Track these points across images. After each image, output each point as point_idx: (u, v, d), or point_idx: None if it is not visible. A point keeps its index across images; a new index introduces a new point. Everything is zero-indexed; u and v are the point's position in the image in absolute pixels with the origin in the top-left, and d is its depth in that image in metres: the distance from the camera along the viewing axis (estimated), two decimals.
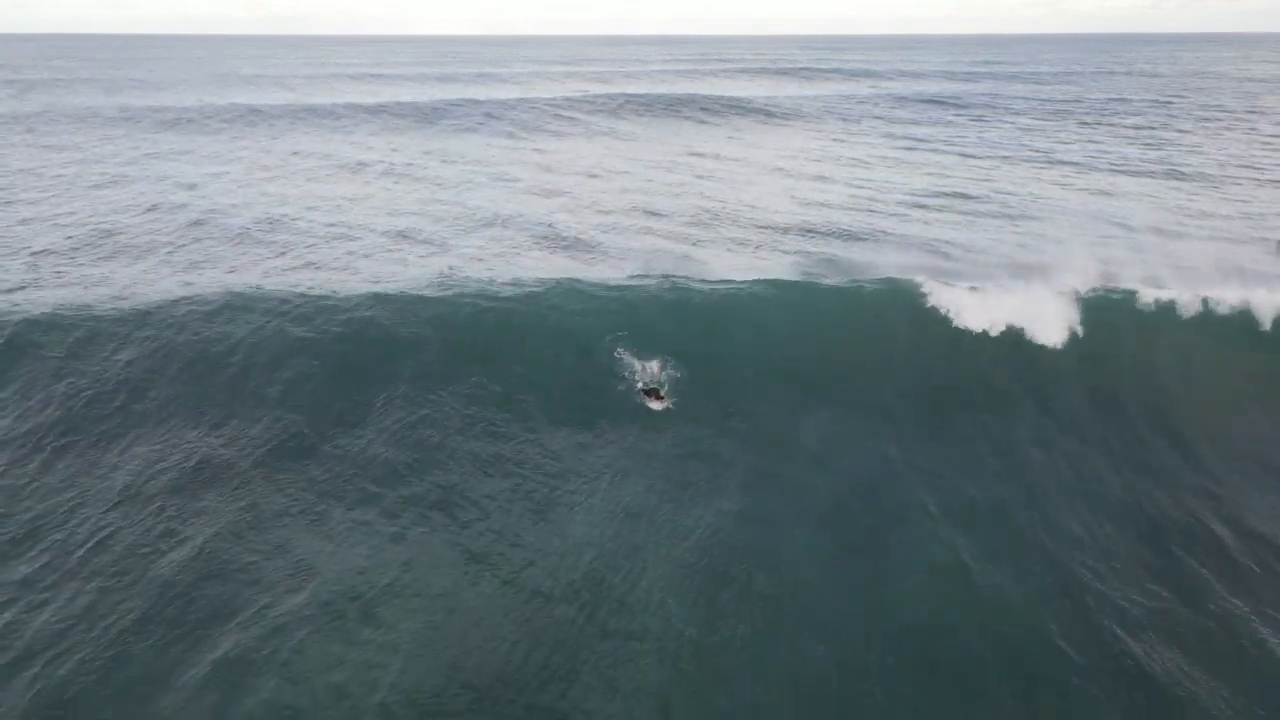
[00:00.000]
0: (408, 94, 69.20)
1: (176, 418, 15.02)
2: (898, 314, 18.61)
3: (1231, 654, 11.05)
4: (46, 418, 14.84)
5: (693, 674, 10.41)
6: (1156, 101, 67.73)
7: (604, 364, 17.00)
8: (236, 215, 27.68)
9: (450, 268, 22.02)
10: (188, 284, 20.20)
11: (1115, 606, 11.65)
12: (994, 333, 17.62)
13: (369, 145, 44.22)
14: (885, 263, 22.67)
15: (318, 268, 22.35)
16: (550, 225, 27.20)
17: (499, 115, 55.02)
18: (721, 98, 64.74)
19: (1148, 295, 18.89)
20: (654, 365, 16.77)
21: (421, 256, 23.63)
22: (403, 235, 25.91)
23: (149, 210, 28.23)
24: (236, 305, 18.10)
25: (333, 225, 26.92)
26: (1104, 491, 14.29)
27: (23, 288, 20.19)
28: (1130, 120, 56.37)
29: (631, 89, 72.31)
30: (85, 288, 20.19)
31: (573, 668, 10.40)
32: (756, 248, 25.27)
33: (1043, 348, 17.40)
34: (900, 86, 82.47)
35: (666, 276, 20.55)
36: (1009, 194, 33.23)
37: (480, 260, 23.16)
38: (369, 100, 62.58)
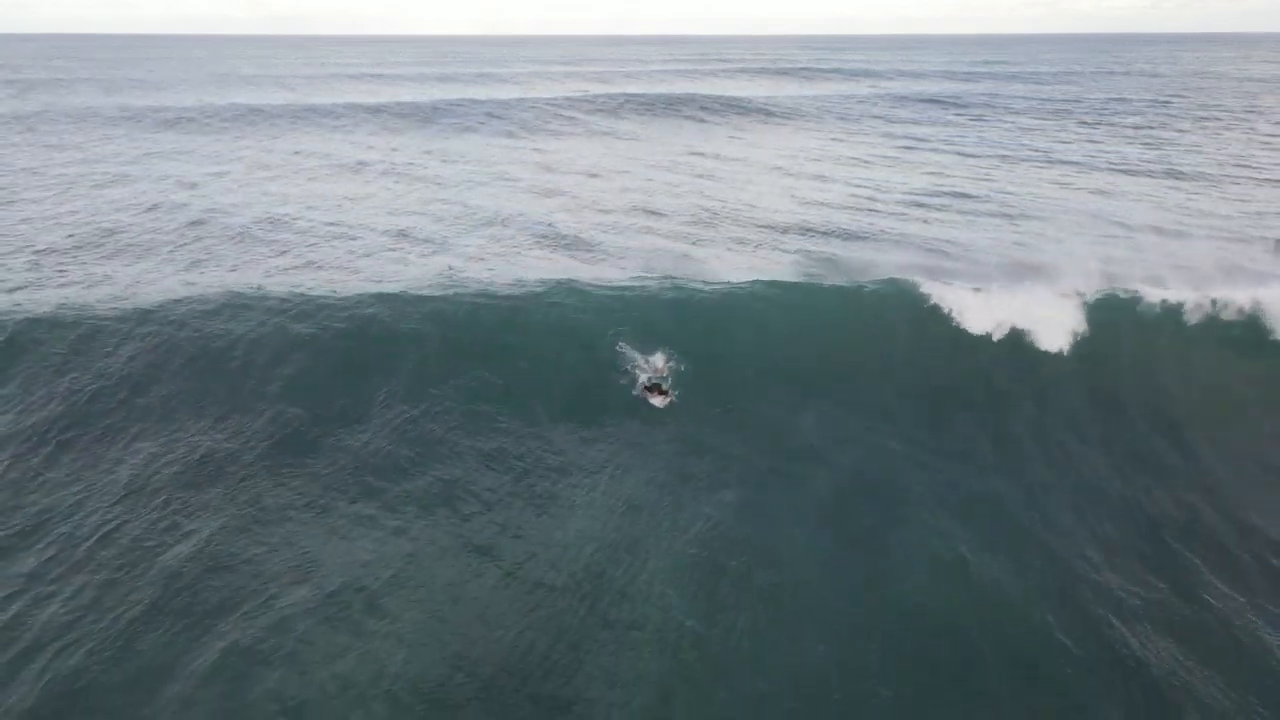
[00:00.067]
0: (408, 94, 69.24)
1: (180, 413, 15.11)
2: (897, 314, 18.66)
3: (1228, 647, 11.16)
4: (50, 412, 14.94)
5: (693, 664, 10.52)
6: (1156, 101, 67.77)
7: (605, 361, 17.07)
8: (237, 214, 27.73)
9: (450, 266, 22.08)
10: (189, 283, 20.26)
11: (1114, 601, 11.74)
12: (993, 332, 17.67)
13: (369, 145, 44.25)
14: (885, 262, 22.71)
15: (319, 266, 22.40)
16: (550, 224, 27.24)
17: (499, 115, 55.04)
18: (721, 97, 64.75)
19: (1147, 295, 18.93)
20: (657, 361, 16.83)
21: (422, 255, 23.67)
22: (403, 234, 25.96)
23: (150, 209, 28.28)
24: (238, 303, 18.17)
25: (333, 224, 26.97)
26: (1103, 490, 14.37)
27: (25, 286, 20.25)
28: (1130, 120, 56.41)
29: (631, 89, 72.33)
30: (87, 286, 20.25)
31: (575, 658, 10.52)
32: (756, 247, 25.31)
33: (1041, 347, 17.46)
34: (900, 86, 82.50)
35: (667, 276, 20.62)
36: (1008, 193, 33.27)
37: (481, 259, 23.21)
38: (369, 100, 62.61)
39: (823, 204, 31.26)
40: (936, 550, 12.55)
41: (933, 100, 68.34)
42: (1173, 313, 18.56)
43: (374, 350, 16.92)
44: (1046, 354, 17.37)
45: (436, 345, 17.14)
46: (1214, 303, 18.61)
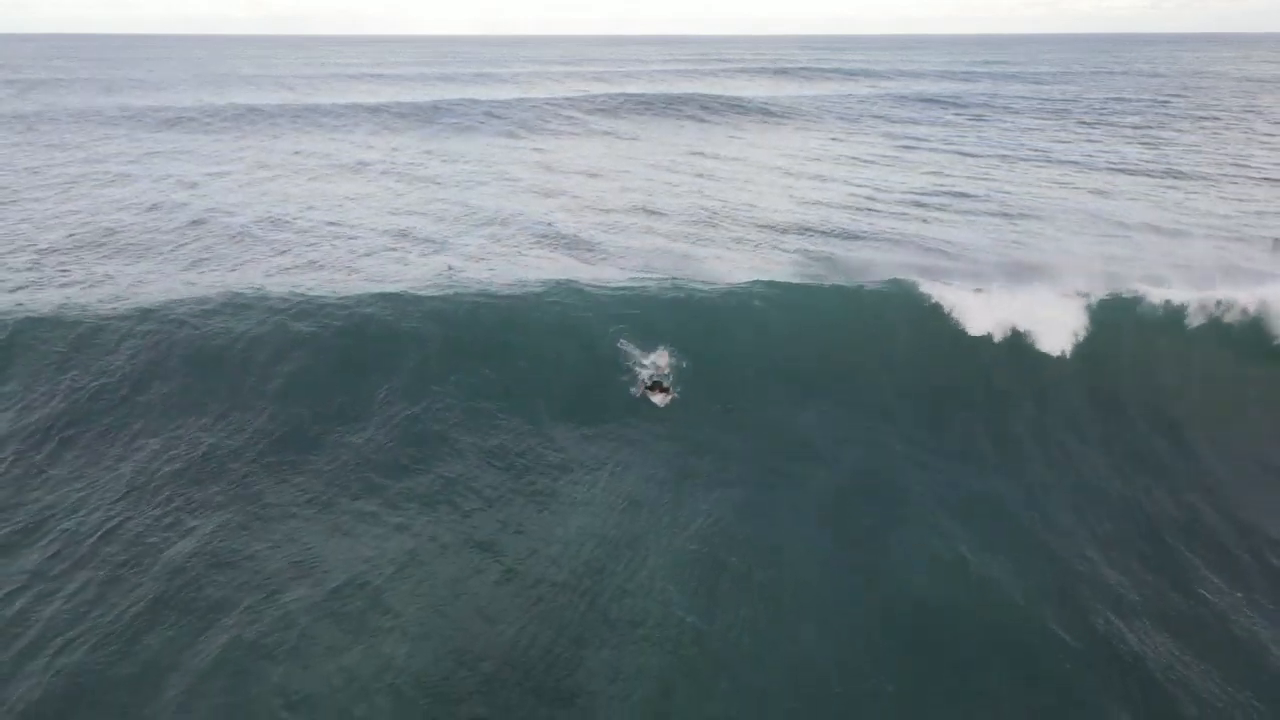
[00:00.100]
0: (408, 94, 69.28)
1: (181, 411, 15.18)
2: (898, 314, 18.69)
3: (1226, 644, 11.23)
4: (53, 409, 15.02)
5: (694, 659, 10.60)
6: (1155, 101, 67.80)
7: (605, 360, 17.12)
8: (238, 214, 27.77)
9: (450, 266, 22.13)
10: (190, 282, 20.31)
11: (1114, 600, 11.78)
12: (994, 333, 17.67)
13: (369, 145, 44.30)
14: (885, 261, 22.75)
15: (319, 266, 22.44)
16: (550, 224, 27.28)
17: (499, 115, 55.07)
18: (721, 97, 64.76)
19: (1149, 296, 18.85)
20: (659, 358, 16.88)
21: (422, 255, 23.71)
22: (403, 234, 26.00)
23: (151, 209, 28.33)
24: (239, 302, 18.22)
25: (334, 224, 27.01)
26: (1104, 490, 14.39)
27: (26, 286, 20.30)
28: (1129, 120, 56.44)
29: (631, 89, 72.34)
30: (88, 285, 20.30)
31: (576, 652, 10.61)
32: (756, 246, 25.35)
33: (1043, 348, 17.47)
34: (900, 86, 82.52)
35: (667, 275, 20.67)
36: (1008, 193, 33.31)
37: (481, 259, 23.25)
38: (369, 100, 62.64)
39: (823, 203, 31.31)
40: (936, 549, 12.60)
41: (932, 100, 68.36)
42: (1175, 313, 18.53)
43: (375, 349, 16.98)
44: (1047, 354, 17.38)
45: (437, 344, 17.19)
46: (1218, 303, 18.54)
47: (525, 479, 14.00)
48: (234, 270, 21.94)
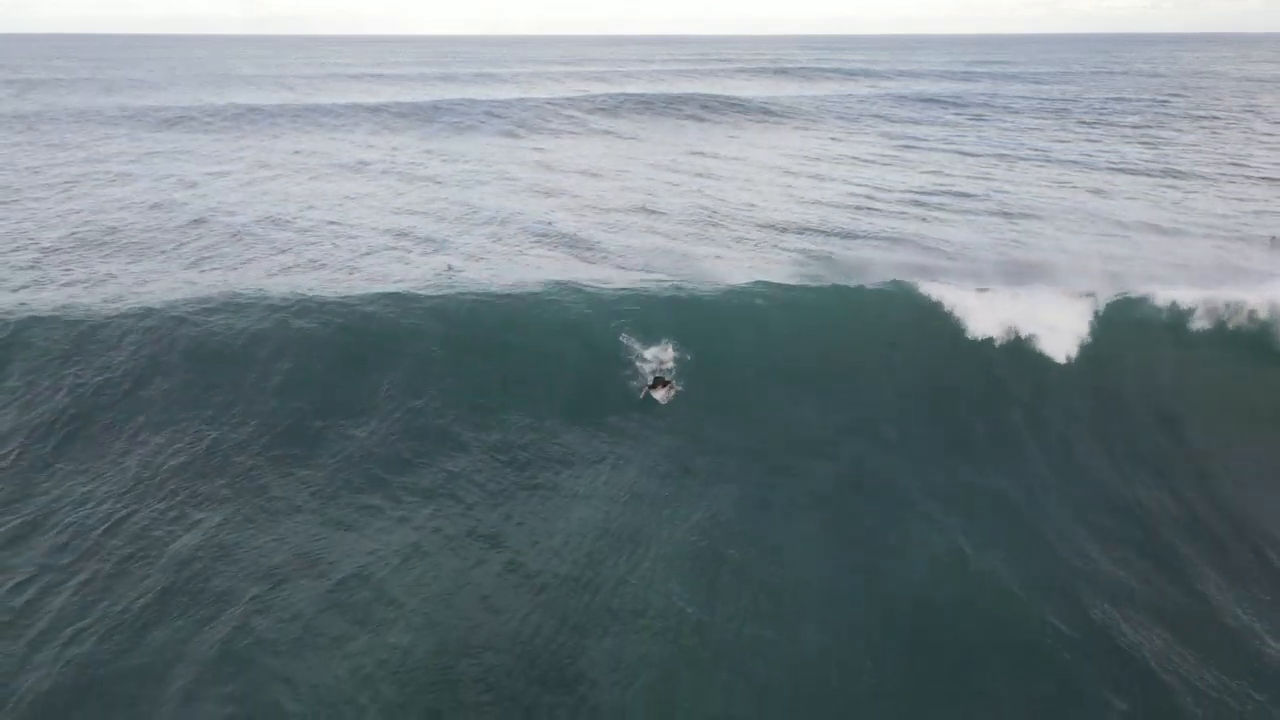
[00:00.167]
0: (408, 93, 69.38)
1: (184, 406, 15.29)
2: (899, 314, 18.72)
3: (1222, 636, 11.32)
4: (57, 404, 15.13)
5: (695, 649, 10.72)
6: (1154, 101, 67.91)
7: (605, 357, 17.21)
8: (238, 213, 27.86)
9: (451, 265, 22.22)
10: (191, 281, 20.42)
11: (1114, 599, 11.84)
12: (996, 334, 17.63)
13: (369, 144, 44.39)
14: (884, 261, 22.84)
15: (320, 265, 22.53)
16: (551, 223, 27.37)
17: (499, 114, 55.16)
18: (721, 97, 64.85)
19: (1154, 297, 18.70)
20: (661, 352, 16.97)
21: (423, 254, 23.80)
22: (404, 233, 26.09)
23: (152, 208, 28.43)
24: (240, 300, 18.32)
25: (334, 223, 27.10)
26: (1105, 491, 14.41)
27: (29, 285, 20.38)
28: (1129, 119, 56.54)
29: (631, 88, 72.44)
30: (91, 284, 20.40)
31: (579, 641, 10.73)
32: (756, 246, 25.43)
33: (1045, 350, 17.39)
34: (899, 86, 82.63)
35: (667, 274, 20.76)
36: (1007, 192, 33.40)
37: (481, 258, 23.34)
38: (369, 100, 62.75)
39: (823, 203, 31.40)
40: (936, 546, 12.67)
41: (932, 100, 68.47)
42: (1180, 315, 18.40)
43: (376, 346, 17.07)
44: (1049, 355, 17.33)
45: (438, 341, 17.29)
46: (1226, 305, 18.36)
47: (527, 472, 14.12)
48: (235, 269, 22.03)
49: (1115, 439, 15.80)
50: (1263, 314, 18.28)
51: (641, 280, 20.44)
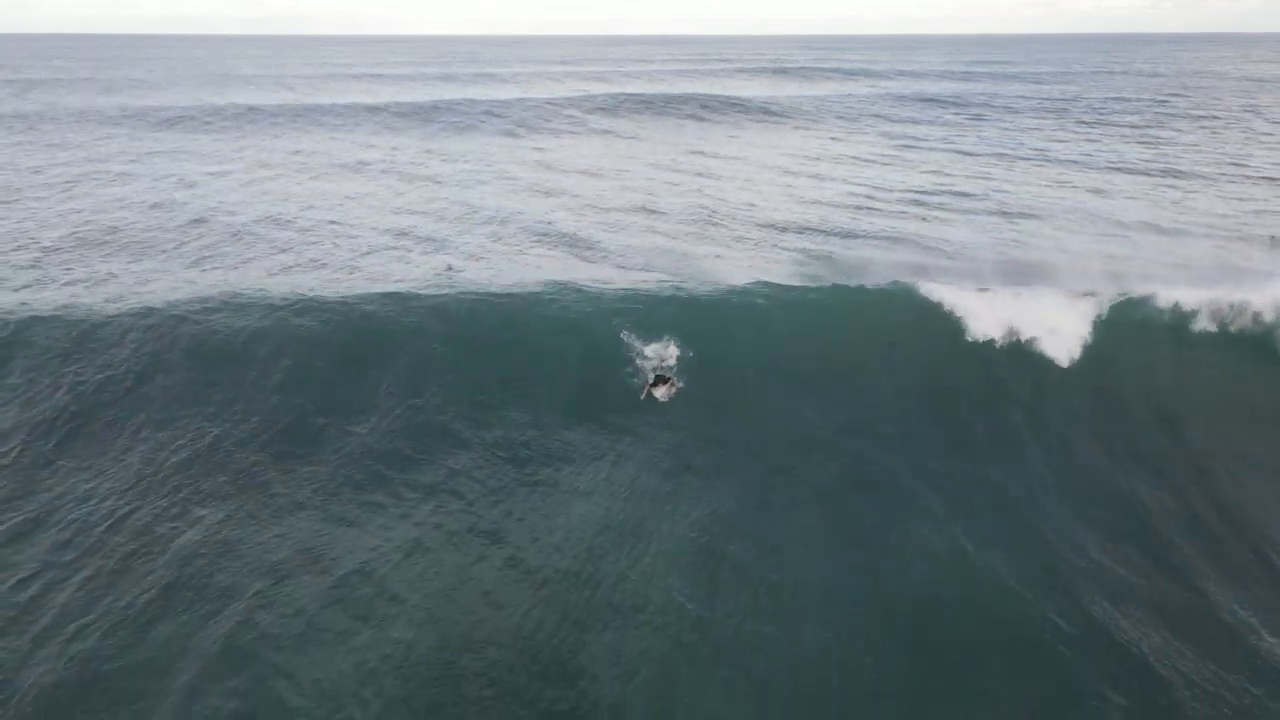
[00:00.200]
0: (408, 93, 69.41)
1: (185, 404, 15.34)
2: (898, 314, 18.73)
3: (1220, 632, 11.37)
4: (58, 401, 15.19)
5: (695, 644, 10.77)
6: (1154, 100, 67.94)
7: (605, 356, 17.24)
8: (239, 213, 27.90)
9: (451, 264, 22.26)
10: (192, 280, 20.46)
11: (1114, 599, 11.87)
12: (997, 334, 17.61)
13: (369, 144, 44.42)
14: (884, 260, 22.86)
15: (320, 264, 22.56)
16: (551, 223, 27.41)
17: (499, 114, 55.19)
18: (721, 97, 64.87)
19: (1156, 298, 18.65)
20: (662, 349, 17.00)
21: (423, 253, 23.84)
22: (404, 232, 26.12)
23: (153, 208, 28.47)
24: (240, 300, 18.37)
25: (334, 223, 27.14)
26: (1106, 491, 14.43)
27: (30, 285, 20.42)
28: (1128, 119, 56.58)
29: (631, 88, 72.45)
30: (91, 283, 20.44)
31: (579, 636, 10.79)
32: (757, 245, 25.46)
33: (1046, 351, 17.36)
34: (899, 86, 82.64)
35: (667, 274, 20.80)
36: (1007, 192, 33.44)
37: (482, 257, 23.38)
38: (369, 100, 62.77)
39: (822, 202, 31.43)
40: (936, 545, 12.69)
41: (932, 100, 68.50)
42: (1180, 315, 18.36)
43: (376, 345, 17.11)
44: (1050, 356, 17.32)
45: (439, 339, 17.33)
46: (1230, 305, 18.28)
47: (528, 469, 14.18)
48: (235, 268, 22.07)
49: (1115, 439, 15.80)
50: (1264, 315, 18.24)
51: (642, 279, 20.48)
